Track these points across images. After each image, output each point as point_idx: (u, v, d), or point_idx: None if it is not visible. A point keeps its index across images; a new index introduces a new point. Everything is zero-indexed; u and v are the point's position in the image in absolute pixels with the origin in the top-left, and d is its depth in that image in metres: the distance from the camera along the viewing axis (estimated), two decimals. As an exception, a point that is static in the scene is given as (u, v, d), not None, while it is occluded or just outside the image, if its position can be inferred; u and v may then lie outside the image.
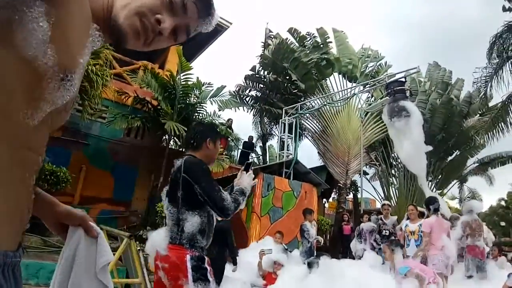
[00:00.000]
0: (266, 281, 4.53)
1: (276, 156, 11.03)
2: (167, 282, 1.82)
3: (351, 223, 9.10)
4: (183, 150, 7.69)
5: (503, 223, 25.97)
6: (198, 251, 1.83)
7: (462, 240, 5.54)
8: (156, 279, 1.92)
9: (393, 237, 5.88)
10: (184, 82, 7.99)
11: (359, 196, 14.98)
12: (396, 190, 13.28)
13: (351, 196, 15.39)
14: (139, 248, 4.54)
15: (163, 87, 7.82)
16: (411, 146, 7.68)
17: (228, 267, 4.24)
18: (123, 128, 7.94)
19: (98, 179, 7.97)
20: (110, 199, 8.18)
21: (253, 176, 2.05)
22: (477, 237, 5.35)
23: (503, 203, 35.39)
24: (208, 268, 1.84)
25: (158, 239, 1.85)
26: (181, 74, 7.96)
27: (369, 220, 7.05)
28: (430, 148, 8.00)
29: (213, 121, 8.70)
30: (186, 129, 7.16)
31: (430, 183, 13.20)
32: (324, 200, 14.17)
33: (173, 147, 8.90)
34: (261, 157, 17.17)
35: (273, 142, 19.23)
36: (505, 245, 14.59)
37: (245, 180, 1.97)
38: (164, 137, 8.51)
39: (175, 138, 8.42)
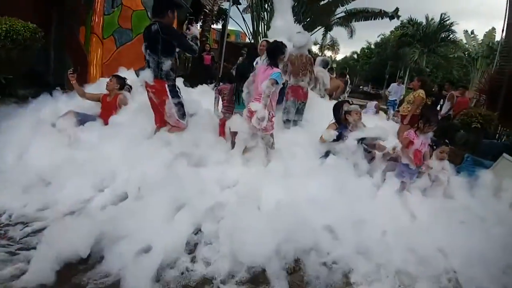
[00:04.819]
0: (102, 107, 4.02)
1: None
2: (156, 99, 3.30)
3: (212, 53, 8.86)
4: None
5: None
6: (172, 81, 3.26)
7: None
8: (149, 97, 3.39)
9: None
10: None
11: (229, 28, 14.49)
12: (266, 26, 13.15)
13: (220, 26, 14.71)
14: None
15: None
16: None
17: None
18: None
19: None
20: None
21: (198, 26, 3.79)
22: (301, 76, 4.45)
23: (355, 56, 41.43)
24: (179, 90, 3.35)
25: (147, 75, 3.21)
26: None
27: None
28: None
29: None
30: None
31: (296, 24, 13.51)
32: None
33: None
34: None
35: None
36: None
37: (195, 30, 3.58)
38: None
39: None
